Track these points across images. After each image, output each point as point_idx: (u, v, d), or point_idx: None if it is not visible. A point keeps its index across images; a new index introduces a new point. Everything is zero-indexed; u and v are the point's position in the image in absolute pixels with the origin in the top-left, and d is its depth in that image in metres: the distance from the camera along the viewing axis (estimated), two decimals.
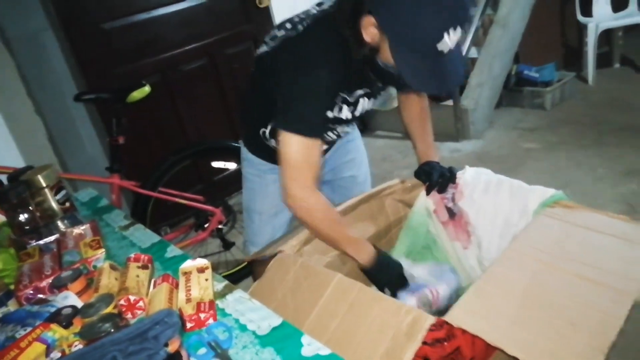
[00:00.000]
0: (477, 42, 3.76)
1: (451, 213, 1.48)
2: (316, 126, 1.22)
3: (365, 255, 1.29)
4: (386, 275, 1.30)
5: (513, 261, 1.05)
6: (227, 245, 2.53)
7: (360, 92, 1.33)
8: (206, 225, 2.45)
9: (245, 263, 2.52)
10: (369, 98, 1.36)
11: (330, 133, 1.43)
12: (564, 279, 0.98)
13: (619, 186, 2.71)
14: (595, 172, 2.90)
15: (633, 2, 4.00)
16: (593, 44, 3.92)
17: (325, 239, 1.30)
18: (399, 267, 1.32)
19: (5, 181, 1.70)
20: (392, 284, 1.29)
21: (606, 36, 4.20)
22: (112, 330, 0.87)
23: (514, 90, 3.92)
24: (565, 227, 1.13)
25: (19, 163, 2.17)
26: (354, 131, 1.68)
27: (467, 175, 1.47)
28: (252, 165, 1.58)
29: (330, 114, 1.30)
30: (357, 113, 1.37)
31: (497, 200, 1.37)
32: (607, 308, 0.89)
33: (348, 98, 1.31)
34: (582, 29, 4.07)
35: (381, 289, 1.30)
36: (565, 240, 1.09)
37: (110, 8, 2.81)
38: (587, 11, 4.06)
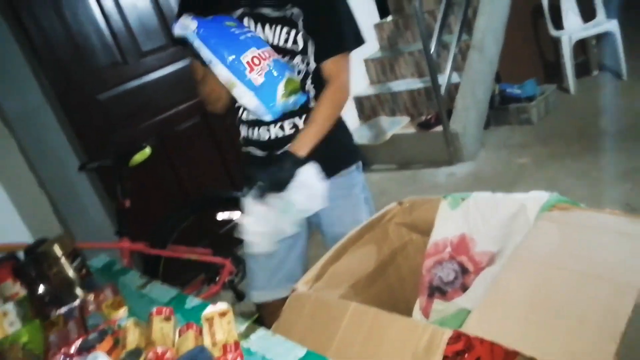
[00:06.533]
0: (457, 68, 3.87)
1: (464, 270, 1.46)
2: None
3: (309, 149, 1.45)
4: (284, 173, 1.41)
5: (518, 268, 1.09)
6: (240, 296, 2.55)
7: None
8: (217, 278, 2.47)
9: None
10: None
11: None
12: (568, 278, 1.02)
13: (615, 188, 2.77)
14: (589, 177, 2.96)
15: (601, 11, 4.15)
16: (569, 55, 4.05)
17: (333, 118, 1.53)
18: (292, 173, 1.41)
19: (21, 256, 1.74)
20: (278, 183, 1.41)
21: (581, 46, 4.33)
22: None
23: (500, 109, 4.02)
24: (564, 228, 1.17)
25: (26, 237, 2.18)
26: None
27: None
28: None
29: None
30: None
31: (499, 221, 1.39)
32: (613, 301, 0.93)
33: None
34: (556, 42, 4.20)
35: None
36: (566, 241, 1.13)
37: (103, 80, 2.93)
38: (559, 24, 4.21)
